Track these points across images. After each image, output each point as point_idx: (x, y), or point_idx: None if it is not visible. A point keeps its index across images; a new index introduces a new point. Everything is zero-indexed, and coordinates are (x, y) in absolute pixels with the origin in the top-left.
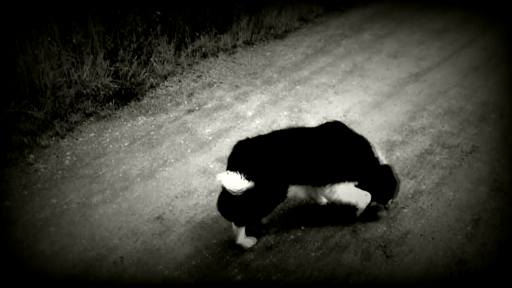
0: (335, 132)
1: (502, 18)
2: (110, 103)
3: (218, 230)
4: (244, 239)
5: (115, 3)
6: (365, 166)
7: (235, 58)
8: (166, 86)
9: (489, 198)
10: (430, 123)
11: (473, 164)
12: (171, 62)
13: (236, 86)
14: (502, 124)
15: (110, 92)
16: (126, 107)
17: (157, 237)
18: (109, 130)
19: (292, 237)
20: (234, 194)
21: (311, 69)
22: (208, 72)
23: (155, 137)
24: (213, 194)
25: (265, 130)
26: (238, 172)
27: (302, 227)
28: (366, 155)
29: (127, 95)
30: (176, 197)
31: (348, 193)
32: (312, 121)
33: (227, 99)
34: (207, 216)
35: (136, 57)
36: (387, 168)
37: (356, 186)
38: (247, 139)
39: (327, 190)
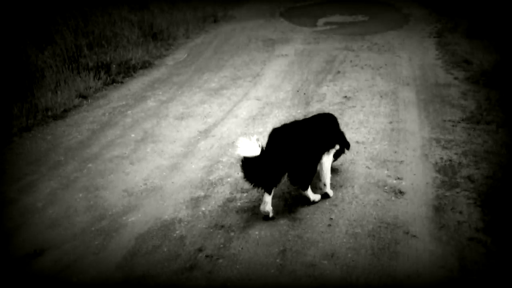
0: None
1: (267, 71)
2: None
3: None
4: (270, 207)
5: None
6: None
7: (11, 148)
8: None
9: (289, 228)
10: (226, 173)
11: None
12: None
13: (18, 178)
14: None
15: None
16: None
17: None
18: None
19: None
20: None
21: (101, 144)
22: None
23: None
24: None
25: (60, 219)
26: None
27: None
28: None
29: None
30: None
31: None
32: (111, 196)
33: (10, 195)
34: None
35: None
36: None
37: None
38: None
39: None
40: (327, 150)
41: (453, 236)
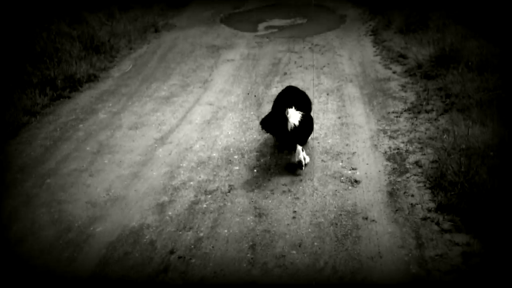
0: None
1: (216, 77)
2: None
3: None
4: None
5: None
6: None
7: None
8: None
9: (256, 224)
10: (188, 177)
11: (234, 200)
12: None
13: None
14: (244, 161)
15: None
16: None
17: None
18: None
19: None
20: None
21: (56, 159)
22: None
23: None
24: None
25: (25, 236)
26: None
27: None
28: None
29: None
30: None
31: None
32: (75, 209)
33: None
34: None
35: None
36: None
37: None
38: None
39: None
40: (310, 111)
41: (408, 217)
